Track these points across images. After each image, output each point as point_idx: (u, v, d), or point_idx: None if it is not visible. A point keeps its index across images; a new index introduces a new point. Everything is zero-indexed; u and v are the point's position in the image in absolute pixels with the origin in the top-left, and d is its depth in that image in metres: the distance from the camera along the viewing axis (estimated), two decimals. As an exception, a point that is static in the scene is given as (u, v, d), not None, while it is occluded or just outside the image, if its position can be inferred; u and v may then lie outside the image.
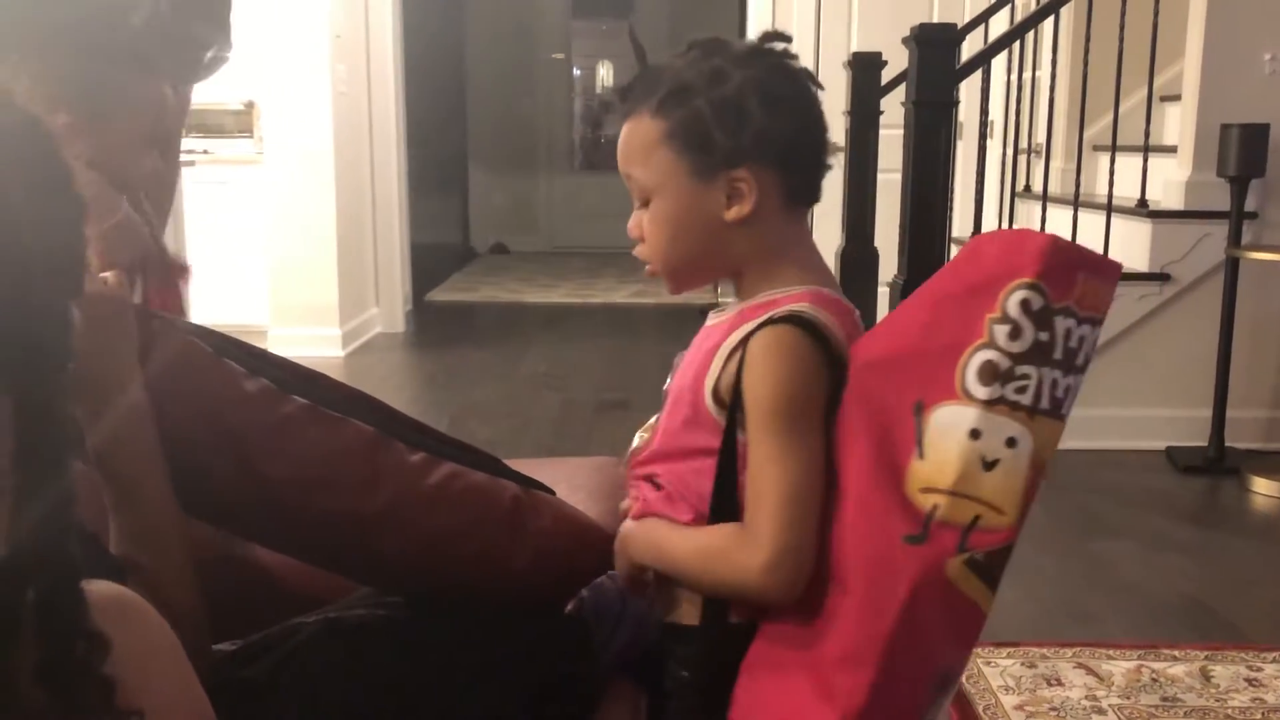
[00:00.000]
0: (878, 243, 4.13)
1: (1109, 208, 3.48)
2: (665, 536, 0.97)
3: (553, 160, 9.55)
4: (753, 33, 4.97)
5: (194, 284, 4.16)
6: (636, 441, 1.04)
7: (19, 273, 0.45)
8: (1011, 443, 0.85)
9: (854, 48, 4.43)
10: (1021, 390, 0.85)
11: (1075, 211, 3.49)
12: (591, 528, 1.05)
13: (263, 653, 0.92)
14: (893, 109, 3.67)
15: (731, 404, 0.92)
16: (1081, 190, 3.58)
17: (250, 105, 5.11)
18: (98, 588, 0.50)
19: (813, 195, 0.99)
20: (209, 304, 4.53)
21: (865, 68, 3.86)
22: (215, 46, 1.60)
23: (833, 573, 0.89)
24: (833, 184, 4.27)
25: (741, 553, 0.90)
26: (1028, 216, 4.10)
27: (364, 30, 5.22)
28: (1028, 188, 4.36)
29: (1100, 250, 3.44)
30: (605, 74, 9.60)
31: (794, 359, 0.90)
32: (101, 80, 1.03)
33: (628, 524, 1.02)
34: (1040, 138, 4.41)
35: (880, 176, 4.03)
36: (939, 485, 0.84)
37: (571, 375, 4.67)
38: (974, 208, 3.57)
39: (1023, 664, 2.07)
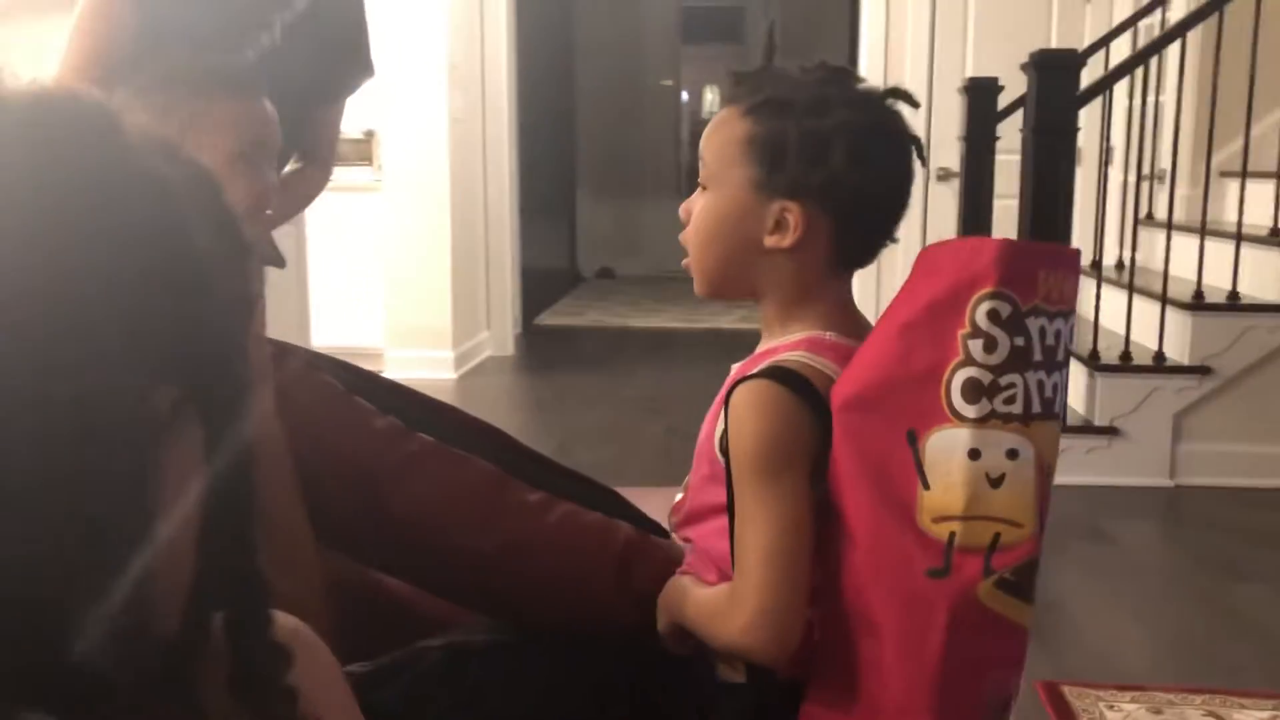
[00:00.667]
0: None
1: (1238, 236, 3.36)
2: (682, 595, 0.96)
3: (659, 185, 9.61)
4: (865, 59, 4.95)
5: (316, 307, 4.26)
6: (678, 497, 1.03)
7: (212, 307, 0.48)
8: (1013, 454, 0.83)
9: (969, 72, 4.37)
10: (1010, 400, 0.83)
11: (1202, 240, 3.38)
12: None
13: (392, 677, 0.95)
14: (1009, 134, 3.61)
15: (727, 459, 0.91)
16: (1209, 218, 3.46)
17: (370, 134, 5.27)
18: (284, 619, 0.53)
19: (861, 259, 0.97)
20: (329, 326, 4.68)
21: (981, 93, 3.80)
22: (346, 72, 1.64)
23: (863, 623, 0.87)
24: (949, 209, 4.21)
25: (727, 614, 0.89)
26: (1151, 244, 3.98)
27: (479, 59, 5.34)
28: (1150, 215, 4.23)
29: (1230, 279, 3.32)
30: (713, 99, 9.63)
31: (770, 414, 0.88)
32: (187, 104, 1.07)
33: (669, 581, 1.00)
34: (1164, 163, 4.28)
35: (997, 202, 3.96)
36: (951, 512, 0.82)
37: (677, 400, 4.68)
38: (1094, 235, 3.48)
39: (1147, 709, 1.99)
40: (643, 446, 3.91)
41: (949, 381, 0.83)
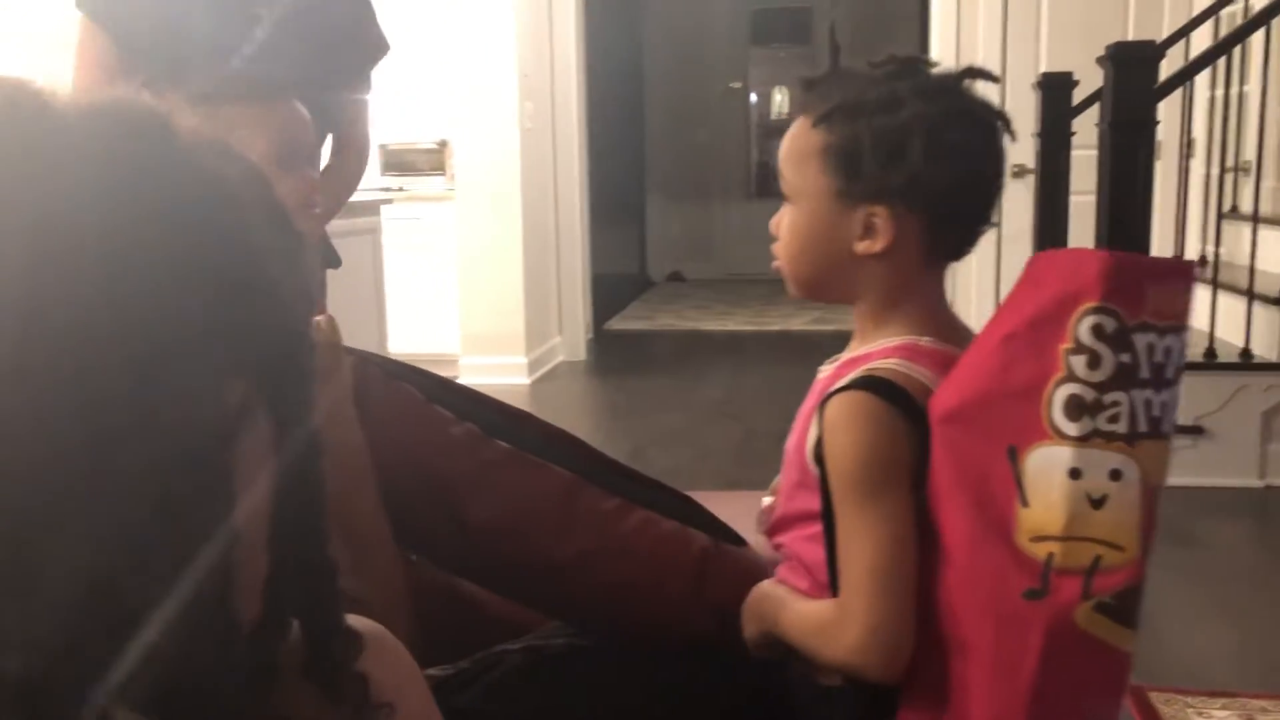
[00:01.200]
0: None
1: (1329, 228, 3.26)
2: (778, 606, 0.95)
3: (728, 188, 9.60)
4: (935, 48, 4.88)
5: (392, 315, 4.30)
6: (766, 501, 1.02)
7: (275, 300, 0.49)
8: (1116, 475, 0.80)
9: (1043, 67, 4.30)
10: (1114, 419, 0.80)
11: (1290, 233, 3.28)
12: None
13: (472, 680, 0.97)
14: (1086, 129, 3.55)
15: (823, 469, 0.90)
16: (1297, 210, 3.36)
17: (443, 144, 5.35)
18: (360, 622, 0.54)
19: (957, 252, 0.94)
20: (405, 334, 4.76)
21: (1055, 88, 3.74)
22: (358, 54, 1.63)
23: (955, 641, 0.85)
24: (1023, 207, 4.16)
25: (836, 630, 0.87)
26: (1235, 238, 3.87)
27: (549, 67, 5.39)
28: (1235, 209, 4.12)
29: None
30: (782, 100, 9.59)
31: (869, 428, 0.86)
32: (222, 110, 1.09)
33: (758, 587, 1.00)
34: (1248, 155, 4.16)
35: (1074, 199, 3.88)
36: (1050, 532, 0.80)
37: (750, 403, 4.67)
38: (1175, 230, 3.40)
39: (1238, 716, 1.94)
40: (717, 450, 3.91)
41: (1050, 397, 0.80)
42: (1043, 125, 3.79)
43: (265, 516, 0.48)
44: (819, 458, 0.90)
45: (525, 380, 5.03)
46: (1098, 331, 0.80)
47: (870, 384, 0.87)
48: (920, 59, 0.95)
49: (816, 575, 0.93)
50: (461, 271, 5.05)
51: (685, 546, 0.99)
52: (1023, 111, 4.46)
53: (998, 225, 0.94)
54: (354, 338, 3.35)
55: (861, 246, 0.91)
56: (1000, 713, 0.83)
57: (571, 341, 5.67)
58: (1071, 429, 0.80)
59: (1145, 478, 0.81)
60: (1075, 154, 3.77)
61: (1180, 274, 0.84)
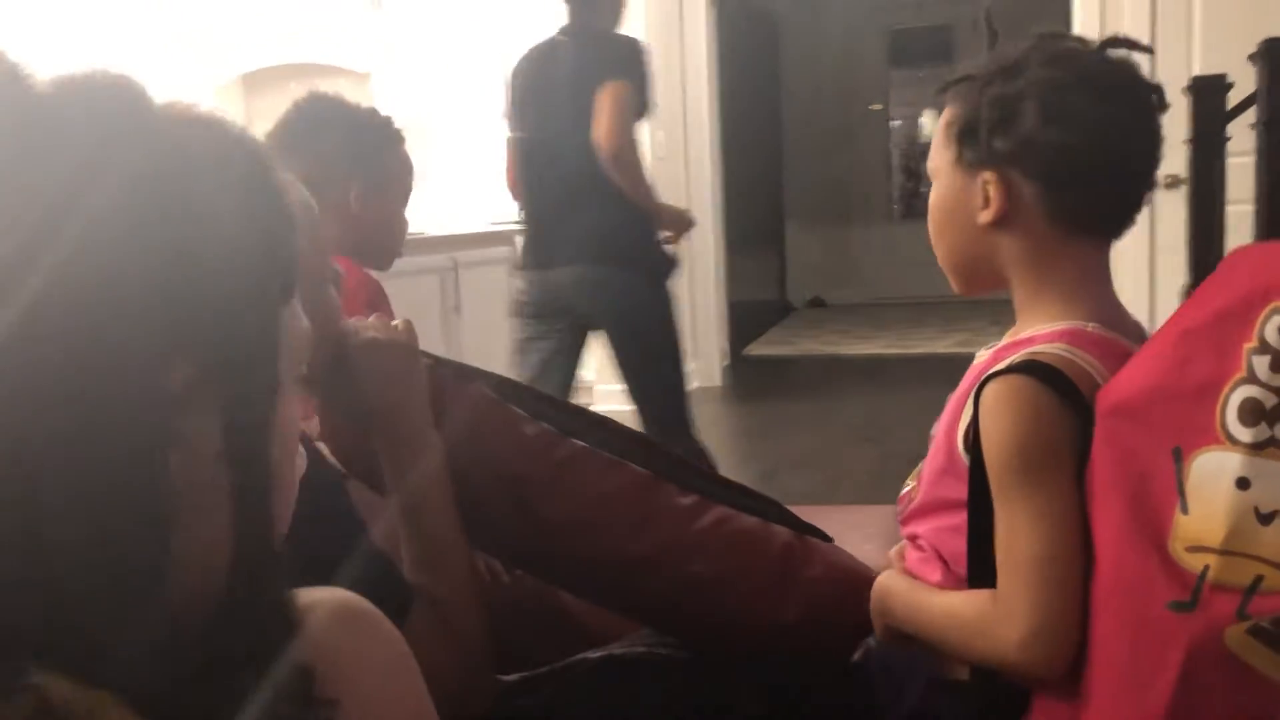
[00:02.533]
0: (1230, 281, 3.76)
1: None
2: (920, 601, 0.91)
3: (870, 212, 9.45)
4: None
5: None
6: (906, 487, 0.99)
7: (233, 281, 0.47)
8: None
9: (1196, 71, 4.09)
10: None
11: None
12: (867, 578, 1.03)
13: (541, 684, 0.96)
14: (1242, 135, 3.35)
15: (974, 456, 0.86)
16: None
17: (578, 175, 5.44)
18: (325, 594, 0.53)
19: (1094, 223, 0.90)
20: (541, 362, 4.84)
21: (1208, 92, 3.55)
22: None
23: (1092, 648, 0.80)
24: (1178, 219, 3.96)
25: (997, 626, 0.83)
26: None
27: (680, 95, 5.43)
28: None
29: None
30: (927, 122, 9.41)
31: (1029, 413, 0.82)
32: None
33: (886, 577, 0.96)
34: None
35: (1231, 209, 3.67)
36: (1208, 543, 0.74)
37: (889, 427, 4.56)
38: (1345, 237, 3.17)
39: None
40: (852, 472, 3.83)
41: (1226, 399, 0.75)
42: (1194, 131, 3.60)
43: (221, 511, 0.47)
44: (969, 445, 0.87)
45: (660, 406, 5.04)
46: None
47: (1032, 368, 0.83)
48: (1061, 33, 0.92)
49: (954, 568, 0.89)
50: (597, 299, 5.10)
51: (767, 541, 0.97)
52: (1173, 118, 4.26)
53: (1140, 200, 0.91)
54: (490, 365, 3.41)
55: (982, 216, 0.90)
56: None
57: (707, 367, 5.66)
58: (1245, 435, 0.74)
59: None
60: (1231, 161, 3.57)
61: None
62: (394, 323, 0.96)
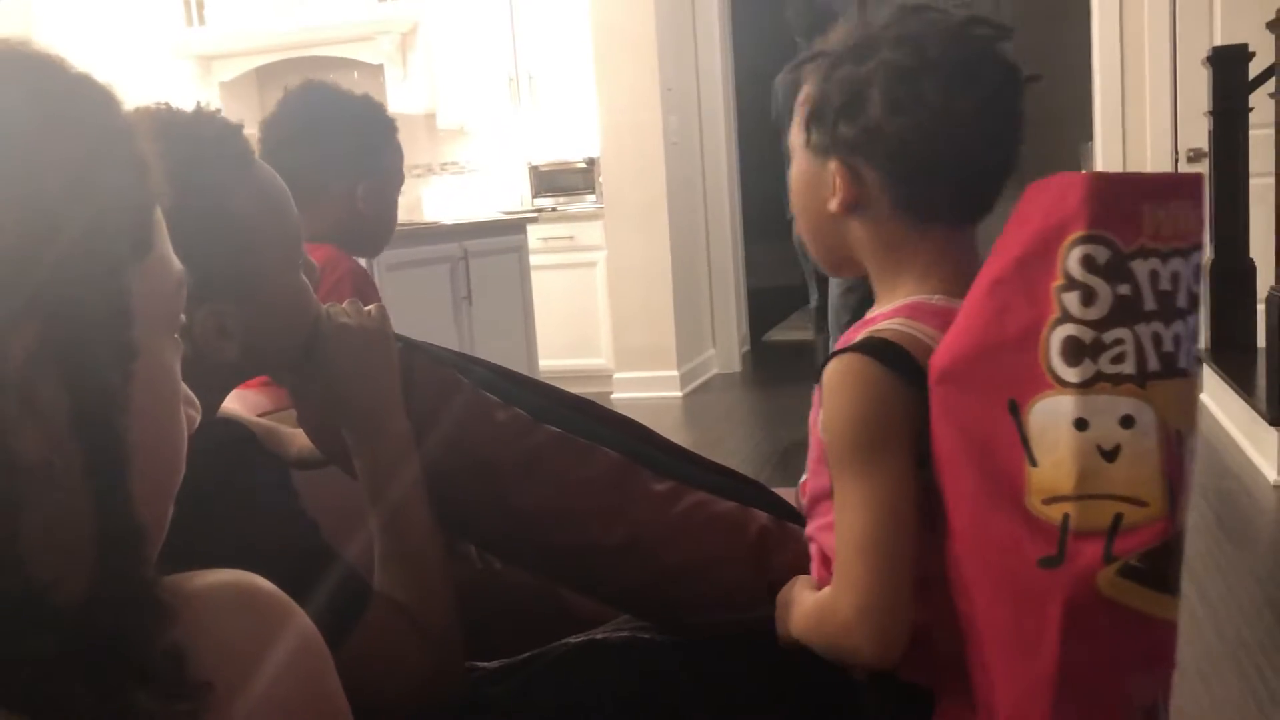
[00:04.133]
0: (1254, 254, 3.70)
1: None
2: (787, 603, 0.89)
3: (891, 194, 9.37)
4: (1098, 36, 4.63)
5: (545, 332, 4.41)
6: (802, 478, 0.95)
7: (56, 235, 0.44)
8: (1128, 422, 0.71)
9: (1217, 41, 4.02)
10: (1119, 359, 0.70)
11: None
12: None
13: (516, 671, 0.95)
14: (1264, 106, 3.28)
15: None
16: None
17: (592, 162, 5.43)
18: (222, 575, 0.51)
19: (942, 212, 0.85)
20: (560, 350, 4.84)
21: (1228, 62, 3.49)
22: None
23: (970, 622, 0.77)
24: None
25: (830, 613, 0.80)
26: None
27: (694, 81, 5.40)
28: None
29: None
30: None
31: (860, 390, 0.79)
32: None
33: (787, 586, 0.92)
34: None
35: (1254, 181, 3.61)
36: (1062, 491, 0.71)
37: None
38: (1371, 207, 3.11)
39: None
40: (870, 458, 3.79)
41: (1047, 342, 0.72)
42: (1215, 103, 3.55)
43: (75, 487, 0.45)
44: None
45: (678, 393, 5.03)
46: (1088, 263, 0.71)
47: (866, 346, 0.80)
48: (928, 6, 0.87)
49: (833, 564, 0.85)
50: (612, 287, 5.10)
51: (742, 527, 0.94)
52: (1194, 89, 4.18)
53: (988, 189, 0.86)
54: (503, 354, 3.45)
55: (830, 204, 0.87)
56: (1023, 697, 0.74)
57: (726, 353, 5.64)
58: (1072, 375, 0.71)
59: (1164, 422, 0.72)
60: (1253, 133, 3.51)
61: (1183, 189, 0.74)
62: (367, 307, 0.95)
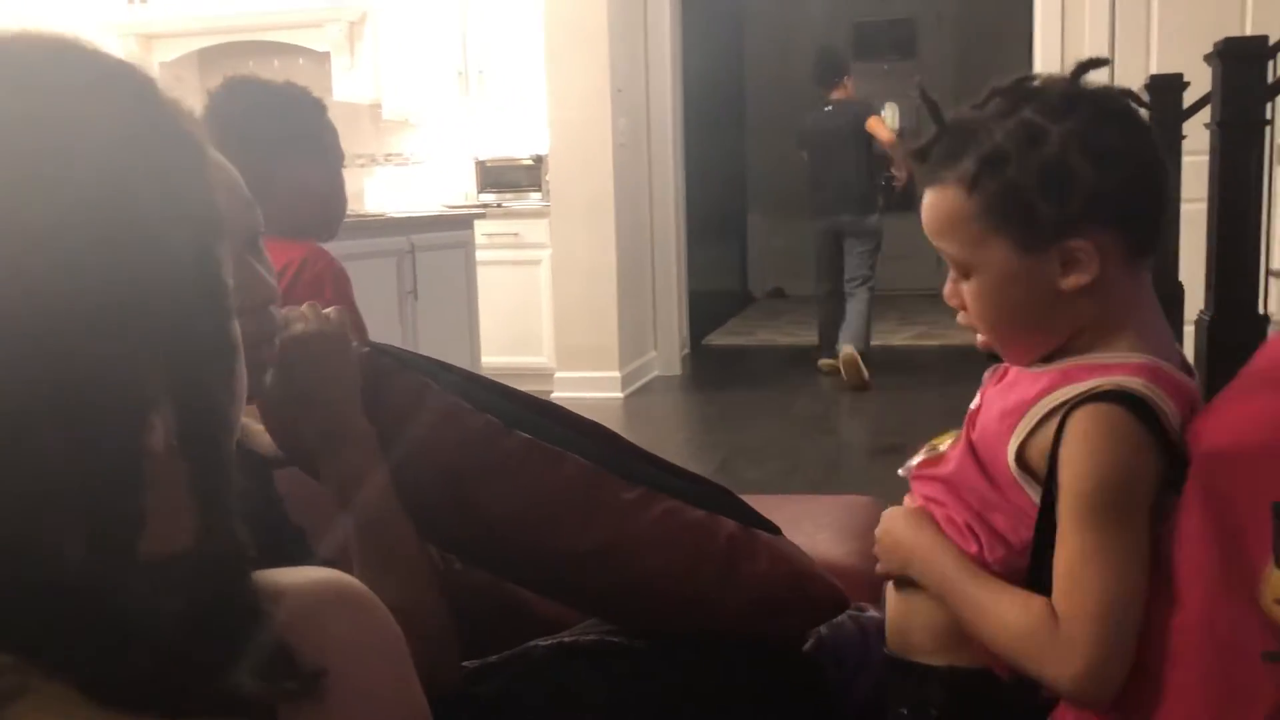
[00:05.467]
0: (1183, 278, 3.81)
1: None
2: (966, 583, 0.88)
3: (832, 203, 9.47)
4: (1039, 63, 4.74)
5: (487, 329, 4.39)
6: (921, 456, 0.96)
7: (148, 236, 0.45)
8: None
9: (1153, 70, 4.14)
10: None
11: None
12: (810, 572, 1.01)
13: (493, 673, 0.95)
14: (1197, 134, 3.39)
15: (1049, 476, 0.84)
16: None
17: (539, 159, 5.42)
18: (313, 573, 0.52)
19: (1156, 244, 0.88)
20: (502, 347, 4.82)
21: (1164, 91, 3.59)
22: None
23: (1174, 694, 0.78)
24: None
25: (1054, 651, 0.81)
26: (1364, 246, 3.65)
27: (644, 83, 5.41)
28: (1364, 214, 3.89)
29: None
30: (889, 116, 9.43)
31: (1121, 444, 0.80)
32: None
33: (911, 530, 0.93)
34: (1379, 158, 3.93)
35: (1185, 207, 3.72)
36: None
37: (846, 418, 4.59)
38: (1295, 237, 3.22)
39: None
40: (807, 463, 3.85)
41: None
42: (1151, 130, 3.64)
43: (180, 490, 0.46)
44: (1029, 463, 0.85)
45: (619, 394, 5.04)
46: None
47: (1126, 400, 0.81)
48: (1025, 79, 0.88)
49: (993, 549, 0.87)
50: (556, 286, 5.10)
51: (712, 534, 0.96)
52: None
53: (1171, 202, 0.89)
54: (446, 350, 3.41)
55: (1069, 282, 0.85)
56: None
57: (667, 356, 5.66)
58: None
59: None
60: (1186, 160, 3.61)
61: None
62: (326, 310, 0.94)
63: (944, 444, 0.96)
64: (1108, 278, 0.85)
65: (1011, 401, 0.88)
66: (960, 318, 0.92)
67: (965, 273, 0.89)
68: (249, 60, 5.31)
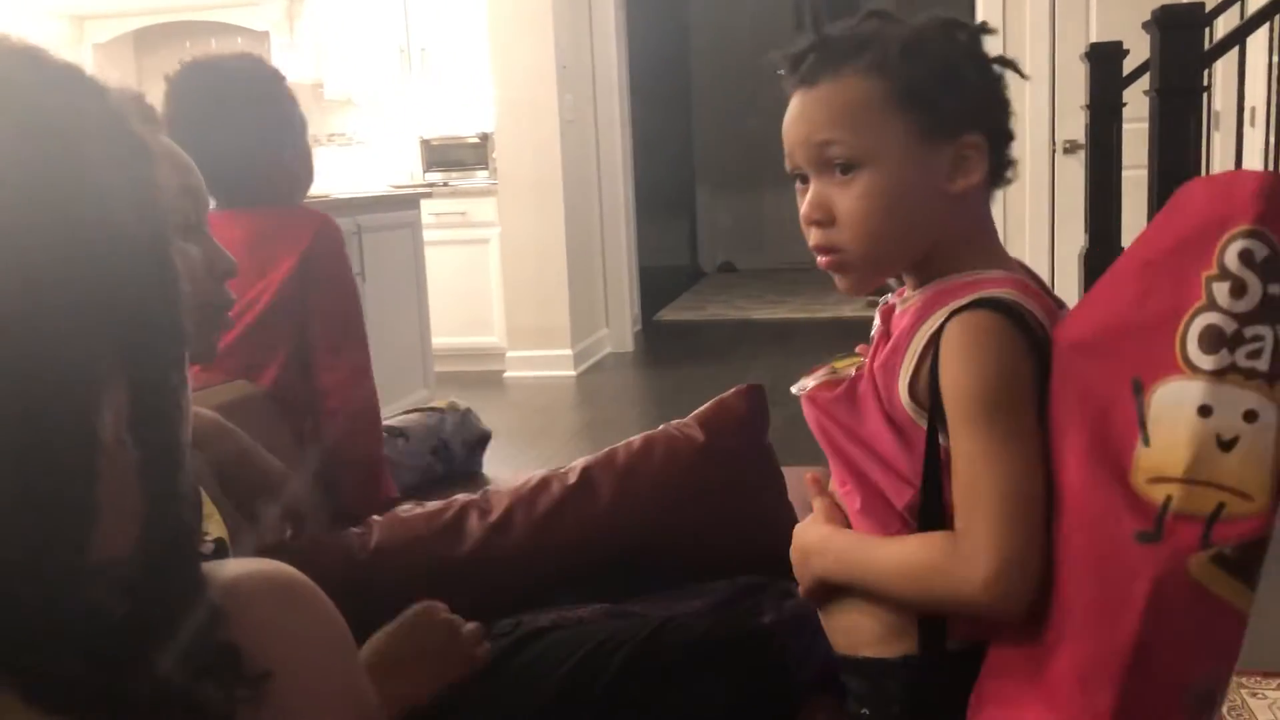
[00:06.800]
0: (1126, 244, 3.88)
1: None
2: (860, 552, 0.89)
3: (779, 177, 9.31)
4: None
5: (437, 310, 4.39)
6: (821, 376, 0.95)
7: (103, 223, 0.45)
8: (1251, 416, 0.73)
9: (1093, 39, 4.18)
10: (1255, 354, 0.73)
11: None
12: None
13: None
14: (1137, 101, 3.44)
15: (932, 397, 0.84)
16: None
17: (485, 137, 5.37)
18: (254, 565, 0.52)
19: (1008, 174, 0.91)
20: (451, 328, 4.78)
21: (1104, 58, 3.63)
22: None
23: (1057, 583, 0.79)
24: (1077, 183, 4.04)
25: (960, 566, 0.81)
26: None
27: (589, 59, 5.38)
28: (1298, 177, 3.97)
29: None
30: (832, 87, 9.47)
31: (996, 345, 0.81)
32: None
33: (808, 532, 0.94)
34: (1311, 122, 4.01)
35: (1126, 173, 3.77)
36: (1170, 473, 0.74)
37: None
38: (1232, 201, 3.28)
39: (1296, 700, 1.86)
40: (761, 437, 3.86)
41: (1186, 328, 0.74)
42: (1092, 98, 3.69)
43: (131, 485, 0.46)
44: (920, 397, 0.85)
45: (571, 372, 5.03)
46: (1245, 258, 0.73)
47: (999, 306, 0.82)
48: (889, 13, 0.91)
49: (900, 493, 0.87)
50: (505, 265, 5.07)
51: None
52: (1072, 84, 4.35)
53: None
54: (396, 331, 3.36)
55: (957, 185, 0.87)
56: (1093, 667, 0.76)
57: (618, 333, 5.66)
58: (1206, 362, 0.74)
59: None
60: (1126, 127, 3.66)
61: None
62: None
63: (845, 366, 0.95)
64: (975, 191, 0.88)
65: (890, 344, 0.89)
66: (814, 237, 0.90)
67: (849, 170, 0.88)
68: (185, 40, 5.19)
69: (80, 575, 0.42)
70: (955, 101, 0.86)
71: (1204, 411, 0.74)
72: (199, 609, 0.46)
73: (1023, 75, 0.91)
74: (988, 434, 0.81)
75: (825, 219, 0.89)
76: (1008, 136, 0.90)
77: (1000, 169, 0.90)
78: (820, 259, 0.91)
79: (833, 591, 0.93)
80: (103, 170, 0.45)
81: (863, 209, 0.87)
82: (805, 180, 0.92)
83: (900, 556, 0.86)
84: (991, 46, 0.92)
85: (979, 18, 4.75)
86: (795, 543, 0.96)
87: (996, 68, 0.90)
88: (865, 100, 0.87)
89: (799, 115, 0.90)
